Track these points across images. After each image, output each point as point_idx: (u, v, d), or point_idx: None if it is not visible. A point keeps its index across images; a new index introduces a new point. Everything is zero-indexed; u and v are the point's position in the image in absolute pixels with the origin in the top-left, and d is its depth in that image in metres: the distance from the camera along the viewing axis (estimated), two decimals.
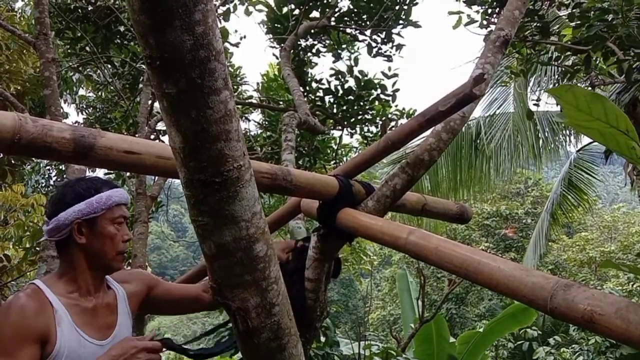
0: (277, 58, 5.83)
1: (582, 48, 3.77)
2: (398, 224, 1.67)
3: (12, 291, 5.99)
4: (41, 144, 1.23)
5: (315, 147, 6.58)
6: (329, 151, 7.03)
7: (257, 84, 7.28)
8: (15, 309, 1.48)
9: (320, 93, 6.15)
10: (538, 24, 3.92)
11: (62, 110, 4.33)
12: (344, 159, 7.22)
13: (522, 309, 7.81)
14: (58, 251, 1.65)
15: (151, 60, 1.02)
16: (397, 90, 6.17)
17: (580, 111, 1.04)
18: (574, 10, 3.80)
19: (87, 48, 6.14)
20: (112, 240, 1.61)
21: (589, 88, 5.50)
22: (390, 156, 6.65)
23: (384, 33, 5.73)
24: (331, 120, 6.34)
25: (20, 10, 8.15)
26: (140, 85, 6.23)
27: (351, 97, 6.09)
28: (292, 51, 5.53)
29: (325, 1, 5.55)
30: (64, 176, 5.99)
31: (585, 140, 9.23)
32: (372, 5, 5.56)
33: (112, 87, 7.08)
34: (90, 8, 5.98)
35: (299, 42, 5.76)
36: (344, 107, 6.17)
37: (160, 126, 6.36)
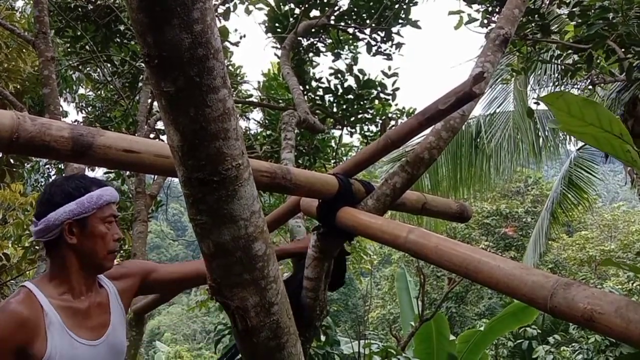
0: (278, 57, 5.83)
1: (583, 46, 3.77)
2: (398, 222, 1.67)
3: (11, 290, 6.00)
4: (40, 142, 1.23)
5: (315, 146, 6.58)
6: (329, 150, 7.02)
7: (258, 82, 7.29)
8: (2, 317, 1.46)
9: (320, 92, 6.15)
10: (539, 23, 3.92)
11: (61, 109, 4.32)
12: (344, 158, 7.22)
13: (523, 307, 7.81)
14: (47, 252, 1.63)
15: (149, 58, 1.02)
16: (397, 89, 6.17)
17: (573, 117, 1.04)
18: (574, 9, 3.79)
19: (87, 47, 6.14)
20: (103, 239, 1.60)
21: (590, 86, 5.50)
22: (390, 155, 6.64)
23: (384, 32, 5.73)
24: (331, 119, 6.34)
25: (20, 9, 8.15)
26: (140, 84, 6.23)
27: (351, 96, 6.09)
28: (291, 50, 5.53)
29: (325, 0, 5.55)
30: (63, 175, 5.99)
31: None
32: (371, 3, 5.56)
33: (111, 86, 7.08)
34: (90, 7, 5.98)
35: (299, 41, 5.76)
36: (344, 106, 6.17)
37: (160, 125, 6.35)
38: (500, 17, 2.09)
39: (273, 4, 5.76)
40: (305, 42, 6.04)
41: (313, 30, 5.71)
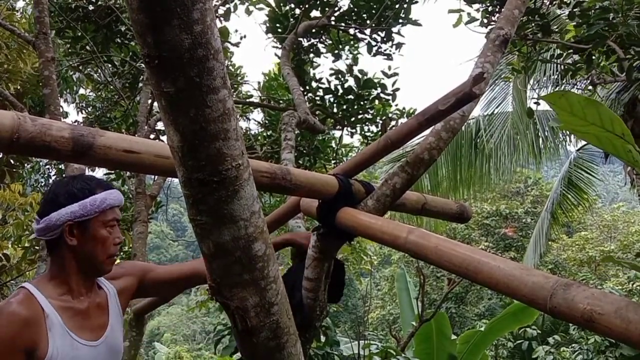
0: (278, 58, 5.83)
1: (583, 47, 3.77)
2: (398, 223, 1.67)
3: (11, 290, 6.00)
4: (40, 143, 1.23)
5: (315, 146, 6.58)
6: (329, 151, 7.02)
7: (258, 83, 7.29)
8: (4, 317, 1.45)
9: (320, 92, 6.15)
10: (539, 22, 3.92)
11: (61, 110, 4.32)
12: (344, 158, 7.21)
13: (523, 308, 7.80)
14: (49, 251, 1.62)
15: (149, 59, 1.02)
16: (397, 89, 6.17)
17: (575, 116, 1.04)
18: (574, 10, 3.79)
19: (88, 47, 6.14)
20: (103, 243, 1.59)
21: (590, 86, 5.50)
22: (390, 155, 6.64)
23: (384, 32, 5.73)
24: (331, 120, 6.34)
25: (21, 10, 8.15)
26: (140, 85, 6.23)
27: (351, 97, 6.09)
28: (292, 50, 5.53)
29: (325, 0, 5.55)
30: (64, 175, 5.99)
31: None
32: (372, 3, 5.56)
33: (112, 87, 7.08)
34: (90, 7, 5.98)
35: (299, 42, 5.77)
36: (344, 107, 6.17)
37: (160, 126, 6.35)
38: (500, 18, 2.09)
39: (273, 4, 5.76)
40: (305, 43, 6.04)
41: (313, 30, 5.71)
